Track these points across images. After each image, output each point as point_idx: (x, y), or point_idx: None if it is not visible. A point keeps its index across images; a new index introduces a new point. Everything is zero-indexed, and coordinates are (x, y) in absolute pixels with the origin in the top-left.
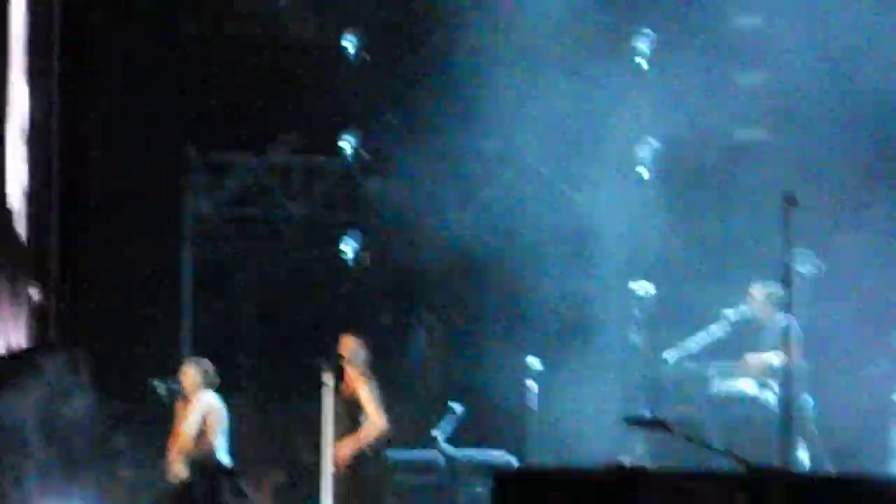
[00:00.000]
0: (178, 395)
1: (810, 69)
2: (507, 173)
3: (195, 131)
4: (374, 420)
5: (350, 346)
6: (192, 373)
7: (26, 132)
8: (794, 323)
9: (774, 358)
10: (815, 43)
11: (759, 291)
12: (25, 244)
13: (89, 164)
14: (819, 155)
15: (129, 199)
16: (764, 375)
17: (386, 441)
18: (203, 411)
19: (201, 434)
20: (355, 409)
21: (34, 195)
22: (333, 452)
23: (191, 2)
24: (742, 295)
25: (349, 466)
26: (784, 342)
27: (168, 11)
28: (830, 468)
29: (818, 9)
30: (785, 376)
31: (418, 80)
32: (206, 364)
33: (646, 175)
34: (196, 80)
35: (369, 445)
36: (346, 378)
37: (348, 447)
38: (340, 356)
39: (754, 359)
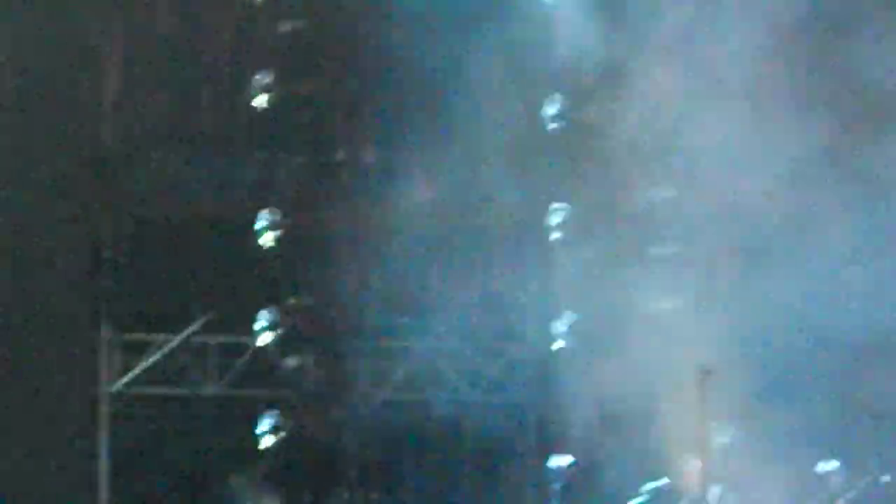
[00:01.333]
0: None
1: (723, 240)
2: (419, 347)
3: (109, 311)
4: None
5: None
6: None
7: None
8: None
9: None
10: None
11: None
12: None
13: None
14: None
15: (43, 380)
16: None
17: None
18: None
19: None
20: None
21: None
22: None
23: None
24: (661, 468)
25: None
26: None
27: (76, 189)
28: None
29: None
30: None
31: (331, 259)
32: None
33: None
34: (109, 260)
35: None
36: None
37: None
38: None
39: None
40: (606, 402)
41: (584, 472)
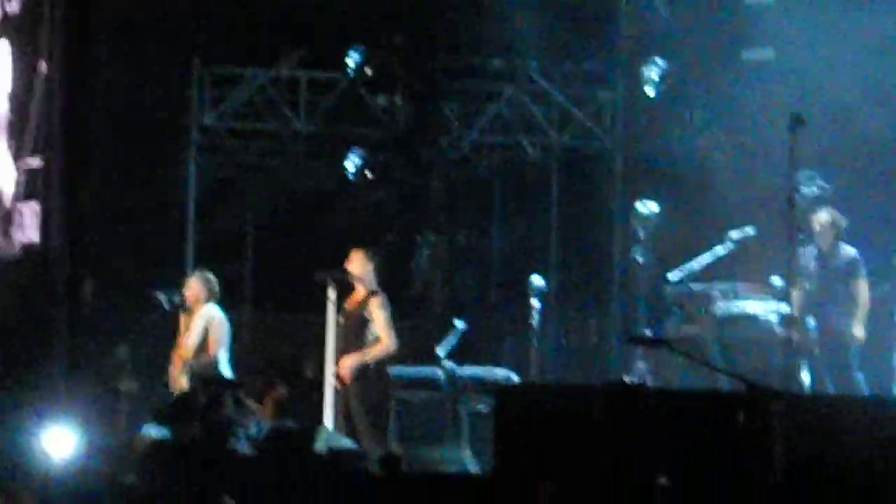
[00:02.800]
0: (180, 307)
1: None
2: (510, 90)
3: (201, 44)
4: (385, 339)
5: (360, 262)
6: (195, 285)
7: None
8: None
9: None
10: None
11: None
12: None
13: (95, 77)
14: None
15: (135, 111)
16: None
17: (393, 360)
18: (205, 323)
19: (203, 346)
20: (361, 325)
21: (41, 111)
22: (337, 367)
23: None
24: (746, 215)
25: (352, 382)
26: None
27: None
28: (831, 389)
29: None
30: (789, 298)
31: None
32: (210, 276)
33: (651, 94)
34: None
35: (374, 362)
36: (354, 294)
37: (352, 362)
38: (347, 272)
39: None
40: (695, 150)
41: (668, 217)
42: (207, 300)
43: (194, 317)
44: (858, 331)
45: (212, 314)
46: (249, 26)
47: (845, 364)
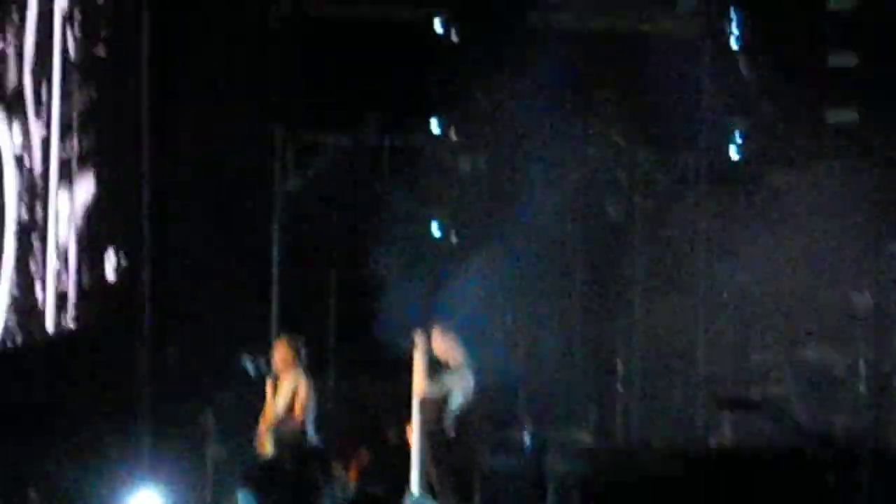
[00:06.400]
0: (267, 373)
1: None
2: (595, 153)
3: (284, 111)
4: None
5: (440, 340)
6: (282, 350)
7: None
8: None
9: None
10: None
11: None
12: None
13: (178, 145)
14: None
15: (218, 178)
16: None
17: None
18: (293, 388)
19: (291, 411)
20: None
21: (125, 175)
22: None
23: None
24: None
25: (437, 447)
26: None
27: None
28: None
29: None
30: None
31: (508, 62)
32: (297, 342)
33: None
34: (284, 60)
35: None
36: (435, 348)
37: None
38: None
39: None
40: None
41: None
42: (294, 366)
43: (282, 381)
44: None
45: (300, 378)
46: (332, 92)
47: None
